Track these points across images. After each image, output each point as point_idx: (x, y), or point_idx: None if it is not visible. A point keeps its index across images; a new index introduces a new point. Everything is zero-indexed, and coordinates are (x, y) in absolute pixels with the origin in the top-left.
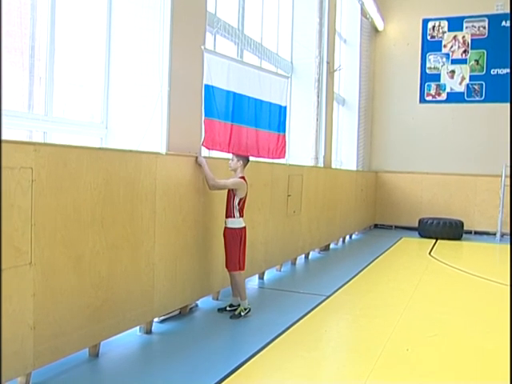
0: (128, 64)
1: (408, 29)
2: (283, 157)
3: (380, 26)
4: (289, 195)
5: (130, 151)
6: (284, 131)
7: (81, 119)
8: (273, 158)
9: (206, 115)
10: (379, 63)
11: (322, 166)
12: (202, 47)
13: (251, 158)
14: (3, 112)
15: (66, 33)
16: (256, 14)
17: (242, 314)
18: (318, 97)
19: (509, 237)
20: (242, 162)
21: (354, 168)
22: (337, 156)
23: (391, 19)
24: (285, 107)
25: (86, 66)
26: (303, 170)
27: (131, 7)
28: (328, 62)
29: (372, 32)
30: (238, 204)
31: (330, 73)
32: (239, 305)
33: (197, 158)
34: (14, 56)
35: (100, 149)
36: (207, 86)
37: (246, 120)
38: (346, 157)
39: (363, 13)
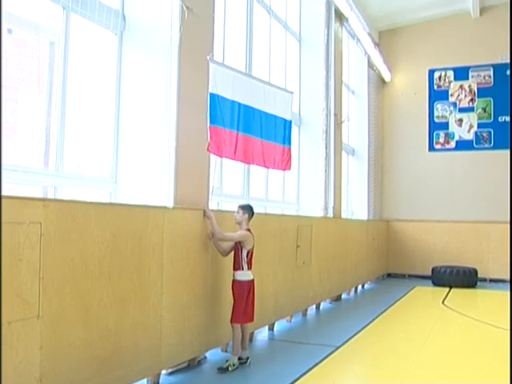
0: (137, 120)
1: (415, 79)
2: (289, 168)
3: (387, 76)
4: (298, 246)
5: (138, 206)
6: (289, 144)
7: (91, 174)
8: (278, 168)
9: (211, 123)
10: (387, 113)
11: (332, 216)
12: (208, 57)
13: (258, 206)
14: (20, 169)
15: (77, 89)
16: (263, 67)
17: (230, 369)
18: (327, 148)
19: None
20: (247, 215)
21: (365, 217)
22: (347, 206)
23: (398, 70)
24: (290, 121)
25: (96, 121)
26: (312, 220)
27: (140, 63)
28: (335, 114)
29: (379, 83)
30: (246, 256)
31: (338, 124)
32: (248, 357)
33: (205, 211)
34: (31, 113)
35: (108, 204)
36: (212, 95)
37: (252, 130)
38: (356, 206)
39: (370, 64)
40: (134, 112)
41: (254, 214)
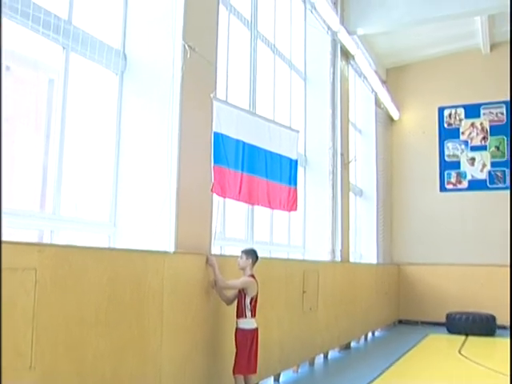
0: (137, 161)
1: (424, 117)
2: (295, 209)
3: (395, 115)
4: (304, 291)
5: (137, 251)
6: (295, 185)
7: (89, 217)
8: (284, 210)
9: (215, 162)
10: (396, 152)
11: (340, 260)
12: (211, 95)
13: (262, 250)
14: (15, 212)
15: (76, 128)
16: (267, 106)
17: None
18: (333, 189)
19: None
20: (251, 260)
21: (374, 261)
22: (356, 249)
23: (406, 108)
24: (295, 161)
25: (95, 162)
26: (319, 265)
27: (141, 102)
28: (342, 154)
29: (387, 121)
30: (250, 303)
31: (345, 164)
32: None
33: (207, 258)
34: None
35: (106, 249)
36: (216, 134)
37: (257, 170)
38: (365, 249)
39: (377, 103)
40: (134, 153)
41: (259, 259)
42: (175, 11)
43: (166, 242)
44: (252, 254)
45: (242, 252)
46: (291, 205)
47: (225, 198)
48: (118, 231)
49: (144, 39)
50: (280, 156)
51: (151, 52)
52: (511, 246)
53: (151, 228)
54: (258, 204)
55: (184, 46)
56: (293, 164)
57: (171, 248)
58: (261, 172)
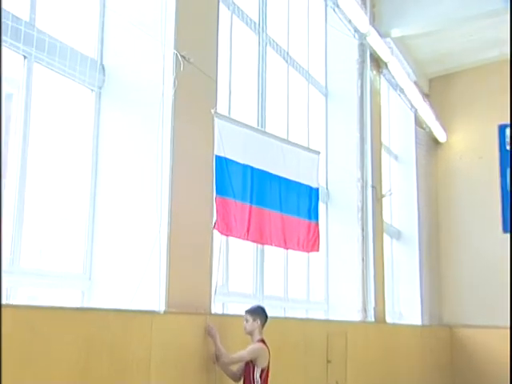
0: (119, 196)
1: (479, 138)
2: (317, 249)
3: (441, 136)
4: (329, 361)
5: (117, 311)
6: (317, 219)
7: (57, 269)
8: (303, 250)
9: (217, 193)
10: (443, 182)
11: (373, 320)
12: (213, 111)
13: (275, 307)
14: None
15: (40, 157)
16: (279, 128)
17: None
18: (363, 230)
19: None
20: (259, 322)
21: (418, 322)
22: (393, 306)
23: (455, 127)
24: (316, 189)
25: (66, 197)
26: (347, 326)
27: (123, 124)
28: (374, 186)
29: (431, 144)
30: (260, 376)
31: (378, 199)
32: None
33: (207, 328)
34: None
35: (78, 309)
36: (219, 159)
37: (269, 202)
38: (406, 307)
39: (418, 122)
40: (115, 186)
41: (268, 318)
42: (165, 13)
43: (154, 299)
44: (259, 313)
45: (247, 313)
46: (312, 244)
47: (230, 236)
48: (94, 286)
49: (126, 48)
50: (297, 184)
51: (135, 63)
52: None
53: (135, 281)
54: (271, 243)
55: (176, 56)
56: (313, 193)
57: (161, 307)
58: (274, 204)
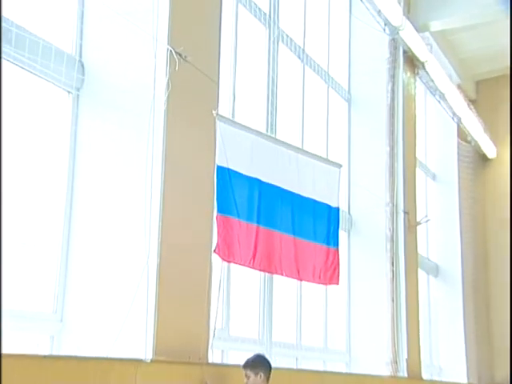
0: (98, 219)
1: None
2: (336, 282)
3: (490, 151)
4: None
5: (94, 359)
6: (336, 244)
7: (20, 308)
8: (320, 282)
9: (219, 211)
10: (492, 207)
11: (406, 375)
12: (214, 113)
13: (285, 356)
14: None
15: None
16: (292, 140)
17: None
18: (393, 264)
19: None
20: (262, 374)
21: (463, 379)
22: (431, 359)
23: (508, 140)
24: (336, 209)
25: (33, 222)
26: (374, 382)
27: (105, 132)
28: (406, 212)
29: (478, 161)
30: None
31: (411, 227)
32: None
33: None
34: None
35: (46, 357)
36: (221, 170)
37: (280, 223)
38: (447, 360)
39: (461, 134)
40: (94, 206)
41: (272, 368)
42: (157, 2)
43: (139, 345)
44: (262, 365)
45: (246, 368)
46: (330, 274)
47: (232, 263)
48: (67, 329)
49: (110, 42)
50: (314, 201)
51: (121, 61)
52: None
53: (117, 323)
54: (281, 273)
55: (171, 53)
56: (332, 214)
57: (147, 354)
58: (285, 225)
